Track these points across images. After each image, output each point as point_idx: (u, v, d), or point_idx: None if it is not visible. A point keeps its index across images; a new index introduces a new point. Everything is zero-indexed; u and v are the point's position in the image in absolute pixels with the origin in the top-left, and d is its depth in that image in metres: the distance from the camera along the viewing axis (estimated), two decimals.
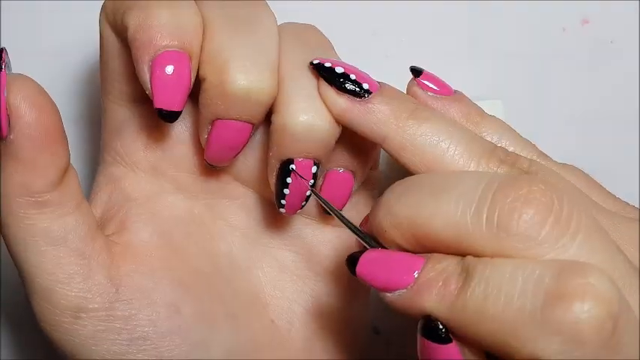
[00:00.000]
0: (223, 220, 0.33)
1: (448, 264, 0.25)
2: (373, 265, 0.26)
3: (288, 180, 0.30)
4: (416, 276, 0.25)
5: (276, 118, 0.29)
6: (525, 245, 0.24)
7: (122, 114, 0.32)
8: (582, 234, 0.24)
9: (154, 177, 0.32)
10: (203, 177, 0.32)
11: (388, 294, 0.25)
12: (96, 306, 0.29)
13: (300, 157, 0.29)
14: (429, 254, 0.25)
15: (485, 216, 0.24)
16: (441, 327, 0.24)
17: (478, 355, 0.25)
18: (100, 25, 0.30)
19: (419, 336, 0.25)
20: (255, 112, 0.29)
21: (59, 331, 0.29)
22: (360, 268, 0.26)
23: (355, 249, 0.30)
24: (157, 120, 0.29)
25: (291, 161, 0.29)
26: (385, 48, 0.40)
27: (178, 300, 0.31)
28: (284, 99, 0.29)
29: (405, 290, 0.25)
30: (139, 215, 0.32)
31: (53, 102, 0.28)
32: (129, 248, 0.31)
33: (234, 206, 0.33)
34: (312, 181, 0.30)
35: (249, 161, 0.32)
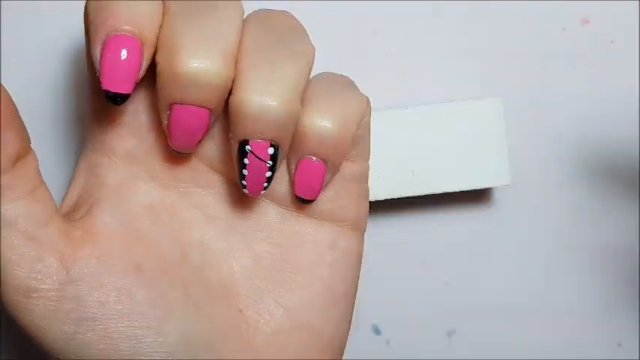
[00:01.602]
0: (197, 209, 0.33)
1: None
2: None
3: (246, 161, 0.30)
4: None
5: (232, 99, 0.30)
6: None
7: (101, 102, 0.32)
8: None
9: (128, 164, 0.32)
10: (177, 165, 0.33)
11: None
12: (46, 287, 0.30)
13: (256, 139, 0.30)
14: None
15: None
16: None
17: None
18: (83, 15, 0.31)
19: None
20: (208, 96, 0.30)
21: (17, 311, 0.30)
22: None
23: (335, 240, 0.30)
24: (124, 107, 0.30)
25: (247, 142, 0.30)
26: (385, 48, 0.40)
27: (132, 285, 0.31)
28: (240, 79, 0.30)
29: None
30: (107, 201, 0.32)
31: (3, 88, 0.29)
32: (89, 233, 0.31)
33: (209, 195, 0.33)
34: (270, 162, 0.30)
35: (221, 148, 0.32)
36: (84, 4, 0.31)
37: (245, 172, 0.31)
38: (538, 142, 0.41)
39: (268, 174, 0.31)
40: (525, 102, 0.41)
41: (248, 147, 0.30)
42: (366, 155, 0.34)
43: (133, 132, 0.32)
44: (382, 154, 0.34)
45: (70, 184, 0.33)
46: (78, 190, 0.33)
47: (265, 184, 0.31)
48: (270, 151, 0.30)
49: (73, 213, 0.32)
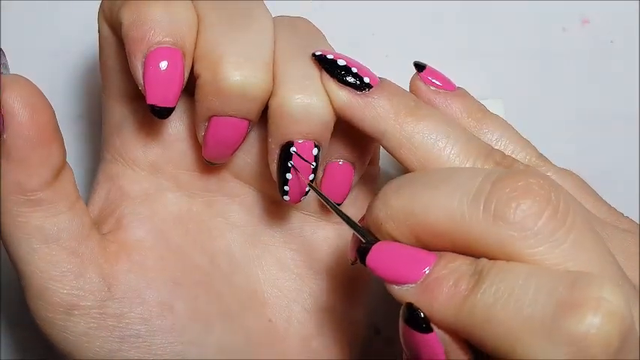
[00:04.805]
0: (223, 218, 0.33)
1: (461, 264, 0.25)
2: (384, 256, 0.26)
3: (290, 164, 0.29)
4: (426, 272, 0.25)
5: (272, 101, 0.29)
6: (521, 235, 0.24)
7: (121, 111, 0.32)
8: (576, 231, 0.24)
9: (153, 175, 0.32)
10: (202, 175, 0.32)
11: (395, 287, 0.25)
12: (88, 304, 0.29)
13: (300, 139, 0.29)
14: (442, 252, 0.25)
15: (482, 205, 0.24)
16: (422, 316, 0.25)
17: (465, 350, 0.25)
18: (98, 23, 0.31)
19: (401, 321, 0.25)
20: (251, 107, 0.29)
21: (53, 328, 0.30)
22: (370, 258, 0.26)
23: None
24: (155, 117, 0.29)
25: (291, 144, 0.29)
26: (385, 48, 0.40)
27: (172, 298, 0.31)
28: (280, 82, 0.29)
29: (413, 285, 0.25)
30: (135, 214, 0.32)
31: (48, 102, 0.29)
32: (124, 247, 0.31)
33: (234, 204, 0.33)
34: (314, 163, 0.30)
35: (248, 158, 0.32)
36: (99, 9, 0.30)
37: (289, 176, 0.30)
38: (538, 142, 0.41)
39: (311, 176, 0.30)
40: (525, 102, 0.41)
41: (293, 148, 0.29)
42: (378, 157, 0.34)
43: (157, 142, 0.32)
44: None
45: (90, 196, 0.33)
46: (100, 204, 0.32)
47: (307, 189, 0.30)
48: (315, 151, 0.30)
49: (100, 227, 0.32)
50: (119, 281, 0.30)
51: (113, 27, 0.30)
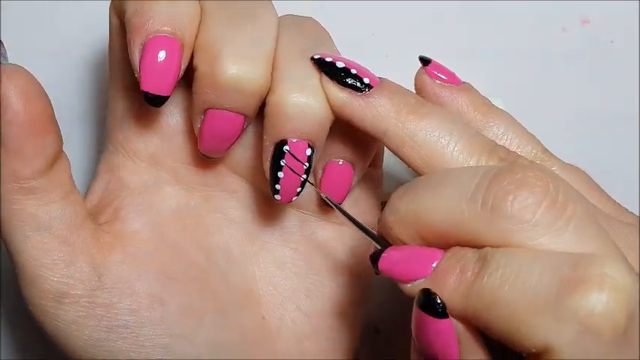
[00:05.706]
0: (221, 214, 0.33)
1: (465, 253, 0.25)
2: (394, 258, 0.26)
3: (282, 163, 0.30)
4: (434, 266, 0.25)
5: (270, 99, 0.29)
6: (519, 227, 0.24)
7: (125, 103, 0.32)
8: (576, 220, 0.24)
9: (153, 167, 0.32)
10: (202, 169, 0.33)
11: (408, 285, 0.26)
12: (78, 292, 0.30)
13: (294, 138, 0.29)
14: (449, 248, 0.26)
15: (480, 201, 0.25)
16: (439, 301, 0.25)
17: (478, 343, 0.25)
18: (109, 15, 0.31)
19: (415, 307, 0.25)
20: (246, 102, 0.29)
21: (46, 315, 0.30)
22: (382, 263, 0.26)
23: (356, 245, 0.30)
24: (157, 109, 0.29)
25: (285, 142, 0.29)
26: (385, 48, 0.40)
27: (163, 292, 0.31)
28: (279, 80, 0.29)
29: (422, 280, 0.25)
30: (133, 205, 0.32)
31: (44, 93, 0.29)
32: (119, 238, 0.31)
33: (233, 200, 0.33)
34: (307, 163, 0.30)
35: (248, 154, 0.32)
36: (110, 5, 0.31)
37: (280, 174, 0.30)
38: None
39: (304, 176, 0.30)
40: (525, 102, 0.41)
41: (286, 147, 0.29)
42: (381, 160, 0.34)
43: (157, 134, 0.32)
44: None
45: (90, 185, 0.33)
46: (99, 193, 0.32)
47: (299, 189, 0.30)
48: (308, 152, 0.30)
49: (97, 216, 0.32)
50: (111, 271, 0.30)
51: (121, 18, 0.30)
